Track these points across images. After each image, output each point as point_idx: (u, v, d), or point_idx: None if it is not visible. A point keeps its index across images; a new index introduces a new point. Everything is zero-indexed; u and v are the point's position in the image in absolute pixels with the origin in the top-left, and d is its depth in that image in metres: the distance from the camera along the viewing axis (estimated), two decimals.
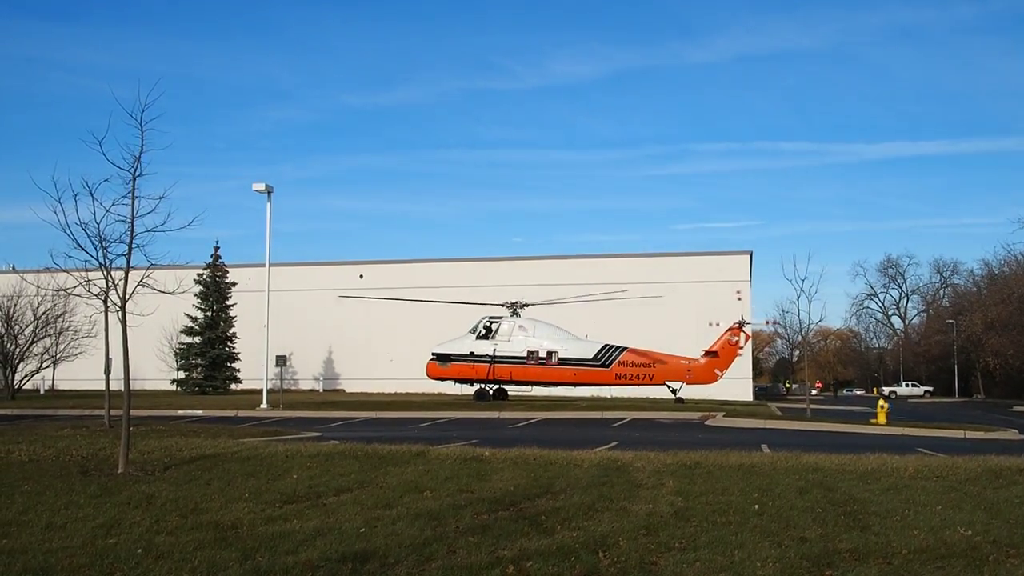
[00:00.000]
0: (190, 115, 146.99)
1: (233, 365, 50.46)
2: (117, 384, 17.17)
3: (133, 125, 12.75)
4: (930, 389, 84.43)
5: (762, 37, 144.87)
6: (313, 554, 7.39)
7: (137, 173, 12.84)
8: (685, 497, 10.29)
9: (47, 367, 45.67)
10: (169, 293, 14.61)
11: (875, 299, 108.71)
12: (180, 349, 50.38)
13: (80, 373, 48.56)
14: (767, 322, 57.95)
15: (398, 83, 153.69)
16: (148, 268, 13.54)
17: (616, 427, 25.06)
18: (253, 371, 45.46)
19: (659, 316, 51.41)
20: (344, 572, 6.92)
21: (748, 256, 57.78)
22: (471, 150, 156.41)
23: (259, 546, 7.70)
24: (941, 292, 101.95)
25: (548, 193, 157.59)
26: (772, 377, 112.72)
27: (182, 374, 49.92)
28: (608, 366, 38.03)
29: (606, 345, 38.60)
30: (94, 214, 12.81)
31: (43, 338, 44.22)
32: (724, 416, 28.42)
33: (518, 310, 39.91)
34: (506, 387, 39.70)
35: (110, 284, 13.44)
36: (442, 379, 40.31)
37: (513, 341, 38.63)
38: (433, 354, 39.96)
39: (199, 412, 31.07)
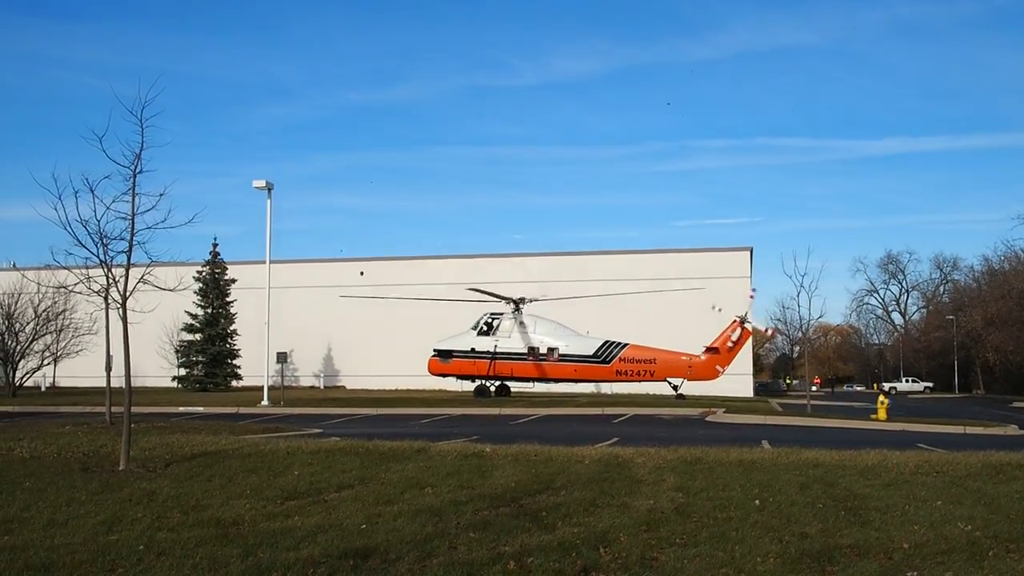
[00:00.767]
0: (191, 112, 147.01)
1: (234, 362, 50.45)
2: (118, 381, 17.19)
3: (133, 122, 12.77)
4: (930, 385, 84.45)
5: (764, 33, 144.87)
6: (314, 550, 7.40)
7: (137, 170, 12.86)
8: (686, 493, 10.30)
9: (48, 364, 45.65)
10: (170, 290, 14.64)
11: (875, 295, 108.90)
12: (181, 346, 50.35)
13: (81, 370, 48.58)
14: (767, 330, 57.83)
15: (399, 80, 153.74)
16: (148, 265, 13.55)
17: (617, 423, 25.08)
18: (254, 368, 45.46)
19: (660, 313, 51.39)
20: (345, 568, 6.93)
21: (748, 252, 57.81)
22: (472, 146, 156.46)
23: (260, 542, 7.72)
24: (941, 288, 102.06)
25: (549, 190, 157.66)
26: (772, 373, 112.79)
27: (183, 371, 49.90)
28: (609, 362, 38.05)
29: (607, 341, 38.62)
30: (94, 211, 12.84)
31: (44, 335, 44.20)
32: (724, 412, 28.44)
33: (519, 306, 39.91)
34: (506, 384, 39.76)
35: (111, 281, 13.45)
36: (444, 375, 40.39)
37: (514, 337, 38.65)
38: (435, 350, 39.99)
39: (200, 409, 31.08)
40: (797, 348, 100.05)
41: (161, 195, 13.05)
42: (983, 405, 50.84)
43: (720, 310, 38.82)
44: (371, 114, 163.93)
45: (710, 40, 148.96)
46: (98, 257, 13.20)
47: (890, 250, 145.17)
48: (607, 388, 44.76)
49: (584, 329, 41.62)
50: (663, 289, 48.22)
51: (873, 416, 26.96)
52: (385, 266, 60.72)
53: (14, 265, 54.75)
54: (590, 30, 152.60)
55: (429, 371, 40.42)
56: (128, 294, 13.11)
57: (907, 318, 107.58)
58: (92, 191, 12.70)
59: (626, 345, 38.43)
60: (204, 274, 49.99)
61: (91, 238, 12.99)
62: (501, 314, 39.65)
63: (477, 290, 38.88)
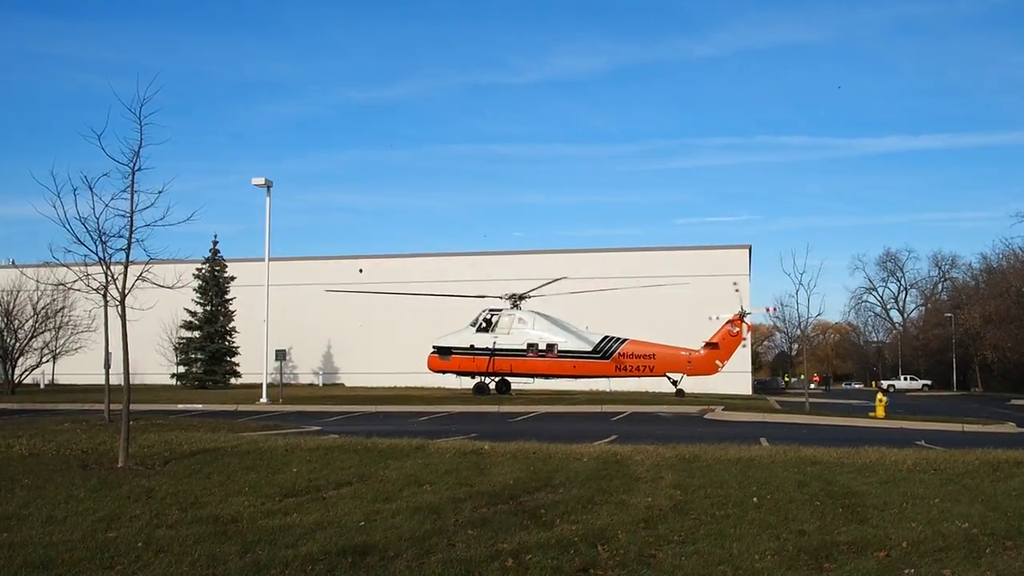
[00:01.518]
0: (190, 110, 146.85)
1: (232, 359, 50.43)
2: (117, 379, 17.18)
3: (132, 119, 12.76)
4: (928, 383, 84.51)
5: (764, 31, 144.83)
6: (313, 547, 7.41)
7: (136, 167, 12.85)
8: (684, 490, 10.31)
9: (47, 362, 45.65)
10: (168, 288, 14.62)
11: (874, 293, 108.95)
12: (179, 344, 50.34)
13: (80, 368, 48.56)
14: (767, 309, 57.87)
15: (399, 78, 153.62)
16: (147, 263, 13.53)
17: (615, 421, 25.09)
18: (252, 365, 45.41)
19: (658, 311, 51.43)
20: (344, 565, 6.94)
21: (747, 250, 57.89)
22: (472, 144, 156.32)
23: (259, 539, 7.72)
24: (939, 286, 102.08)
25: (549, 187, 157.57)
26: (771, 371, 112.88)
27: (182, 369, 49.87)
28: (608, 358, 38.04)
29: (606, 337, 38.60)
30: (93, 209, 12.82)
31: (43, 333, 44.18)
32: (723, 410, 28.47)
33: (518, 302, 39.89)
34: (507, 380, 39.78)
35: (109, 279, 13.44)
36: (443, 372, 40.38)
37: (513, 334, 38.61)
38: (434, 347, 39.98)
39: (199, 406, 31.09)
40: (796, 346, 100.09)
41: (160, 192, 13.06)
42: (981, 403, 50.91)
43: (717, 318, 38.84)
44: (371, 112, 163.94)
45: (710, 38, 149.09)
46: (97, 254, 13.20)
47: (889, 248, 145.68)
48: (606, 386, 44.76)
49: (583, 325, 41.62)
50: (662, 289, 48.19)
51: (871, 414, 26.98)
52: (384, 263, 60.71)
53: (13, 262, 54.76)
54: (591, 28, 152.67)
55: (429, 368, 40.43)
56: (127, 291, 13.11)
57: (905, 316, 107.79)
58: (91, 188, 12.70)
59: (625, 340, 38.41)
60: (203, 271, 49.96)
61: (90, 235, 13.00)
62: (500, 310, 39.63)
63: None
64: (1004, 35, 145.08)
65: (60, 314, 44.19)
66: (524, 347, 38.40)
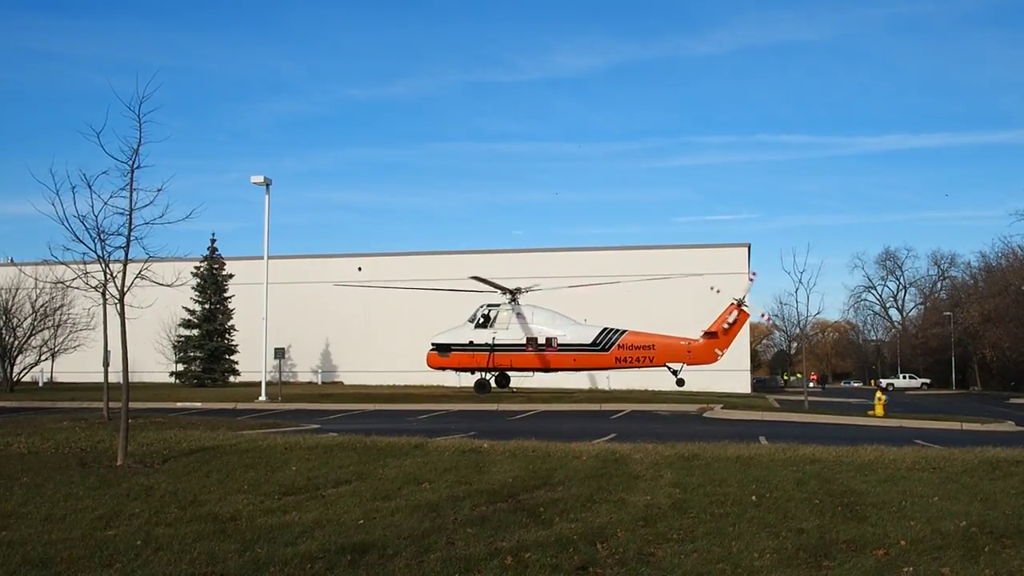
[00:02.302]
0: (190, 107, 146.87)
1: (231, 358, 50.41)
2: (116, 377, 17.19)
3: (131, 117, 12.74)
4: (927, 381, 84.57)
5: (764, 30, 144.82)
6: (312, 546, 7.40)
7: (135, 165, 12.83)
8: (683, 489, 10.31)
9: (46, 360, 45.62)
10: (167, 285, 14.58)
11: (873, 291, 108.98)
12: (178, 342, 50.32)
13: (79, 366, 48.50)
14: (762, 315, 57.81)
15: (399, 76, 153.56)
16: (146, 261, 13.53)
17: (614, 419, 25.10)
18: (251, 364, 45.40)
19: (657, 310, 51.39)
20: (343, 564, 6.93)
21: (746, 248, 57.86)
22: (472, 142, 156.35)
23: (258, 538, 7.72)
24: (939, 284, 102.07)
25: (549, 185, 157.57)
26: (770, 369, 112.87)
27: (180, 367, 49.86)
28: (608, 350, 37.97)
29: (605, 328, 38.53)
30: (92, 206, 12.80)
31: (41, 331, 44.19)
32: (722, 408, 28.49)
33: (516, 297, 39.83)
34: (506, 374, 39.71)
35: (108, 276, 13.42)
36: (443, 369, 40.28)
37: (512, 328, 38.52)
38: (433, 344, 39.93)
39: (198, 404, 31.09)
40: (795, 344, 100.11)
41: (159, 190, 13.04)
42: (980, 401, 50.94)
43: (719, 291, 38.61)
44: (371, 110, 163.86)
45: (710, 37, 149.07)
46: (96, 252, 13.17)
47: (888, 246, 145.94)
48: (605, 383, 44.79)
49: (581, 319, 41.57)
50: (661, 286, 48.22)
51: (870, 412, 26.99)
52: (383, 261, 60.65)
53: (11, 260, 54.67)
54: (591, 26, 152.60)
55: (428, 365, 40.38)
56: (126, 289, 13.10)
57: (904, 314, 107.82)
58: (90, 186, 12.67)
59: (624, 332, 38.34)
60: (202, 269, 49.93)
61: (89, 233, 12.98)
62: (498, 305, 39.55)
63: (477, 278, 38.70)
64: (1003, 33, 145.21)
65: (59, 312, 44.20)
66: (523, 341, 38.33)
